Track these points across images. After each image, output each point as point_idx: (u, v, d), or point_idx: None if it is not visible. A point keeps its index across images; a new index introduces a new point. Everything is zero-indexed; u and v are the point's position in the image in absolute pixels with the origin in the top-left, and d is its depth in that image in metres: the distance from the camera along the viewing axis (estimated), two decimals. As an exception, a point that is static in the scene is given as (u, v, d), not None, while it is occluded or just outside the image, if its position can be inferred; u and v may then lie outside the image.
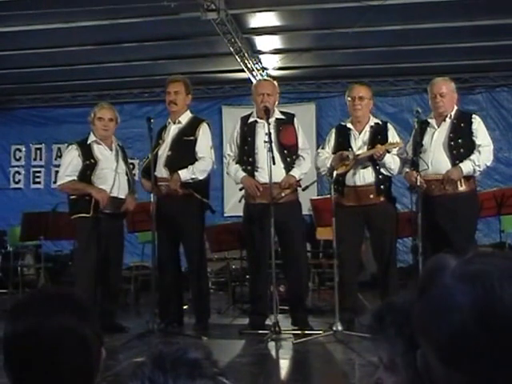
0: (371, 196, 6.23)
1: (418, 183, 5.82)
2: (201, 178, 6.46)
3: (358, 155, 6.22)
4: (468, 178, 5.99)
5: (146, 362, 1.08)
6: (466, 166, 5.92)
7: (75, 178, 6.49)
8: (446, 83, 6.18)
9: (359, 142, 6.36)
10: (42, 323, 1.45)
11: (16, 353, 1.47)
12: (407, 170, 6.20)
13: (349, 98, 6.41)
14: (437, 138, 6.08)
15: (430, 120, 6.19)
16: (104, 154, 6.56)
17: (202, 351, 1.11)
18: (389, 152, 6.17)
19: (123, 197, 6.53)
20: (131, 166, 6.85)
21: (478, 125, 6.09)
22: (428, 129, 6.15)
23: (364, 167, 6.23)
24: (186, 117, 6.66)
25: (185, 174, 6.38)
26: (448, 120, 6.11)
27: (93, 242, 6.35)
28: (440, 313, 1.01)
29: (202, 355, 1.10)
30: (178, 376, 1.04)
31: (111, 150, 6.63)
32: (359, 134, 6.39)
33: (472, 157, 5.94)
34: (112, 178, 6.48)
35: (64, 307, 1.50)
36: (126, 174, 6.67)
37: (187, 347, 1.11)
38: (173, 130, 6.61)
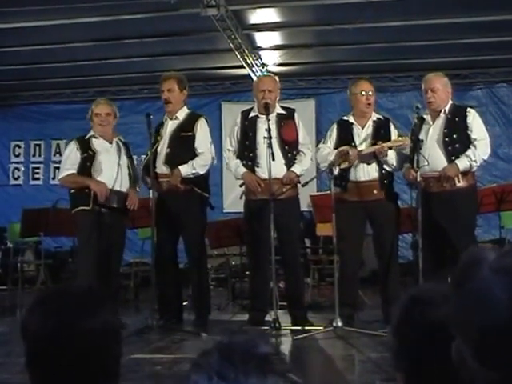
0: (375, 191, 6.21)
1: (418, 179, 5.79)
2: (201, 172, 6.46)
3: (361, 151, 6.21)
4: (466, 174, 5.92)
5: (212, 352, 1.00)
6: (462, 163, 5.87)
7: (74, 171, 6.48)
8: (438, 78, 6.13)
9: (362, 137, 6.33)
10: (83, 322, 1.45)
11: (53, 353, 1.44)
12: (407, 166, 6.18)
13: (359, 93, 6.33)
14: (432, 135, 6.03)
15: (425, 116, 6.12)
16: (102, 147, 6.55)
17: (271, 346, 1.03)
18: (390, 149, 6.15)
19: (125, 190, 6.53)
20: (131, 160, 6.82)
21: (472, 118, 6.01)
22: (424, 125, 6.10)
23: (368, 163, 6.21)
24: (182, 112, 6.64)
25: (185, 170, 6.37)
26: (442, 115, 6.05)
27: (94, 236, 6.33)
28: (477, 308, 0.99)
29: (271, 350, 1.02)
30: (249, 371, 0.96)
31: (110, 143, 6.62)
32: (362, 128, 6.37)
33: (468, 152, 5.88)
34: (113, 171, 6.48)
35: (98, 304, 1.49)
36: (128, 168, 6.66)
37: (257, 340, 1.03)
38: (170, 125, 6.60)
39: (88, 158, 6.47)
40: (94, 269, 6.26)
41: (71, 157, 6.55)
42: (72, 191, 6.50)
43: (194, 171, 6.40)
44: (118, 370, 1.52)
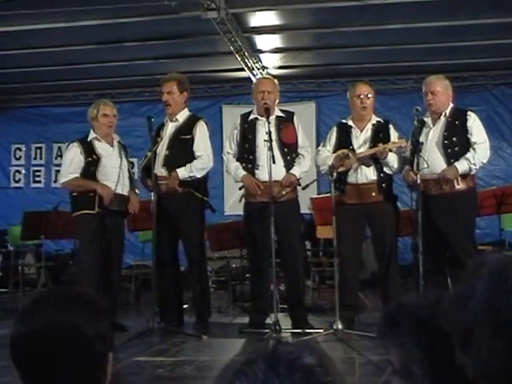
0: (373, 194, 6.22)
1: (418, 181, 5.80)
2: (199, 176, 6.47)
3: (360, 153, 6.22)
4: (465, 176, 5.93)
5: (257, 361, 1.00)
6: (462, 165, 5.87)
7: (78, 175, 6.46)
8: (438, 81, 6.13)
9: (361, 140, 6.34)
10: (45, 323, 1.45)
11: (21, 353, 1.47)
12: (407, 168, 6.19)
13: (355, 96, 6.36)
14: (432, 137, 6.03)
15: (425, 119, 6.13)
16: (106, 151, 6.56)
17: (315, 356, 1.03)
18: (391, 151, 6.16)
19: (126, 194, 6.55)
20: (131, 164, 6.83)
21: (472, 122, 6.02)
22: (424, 128, 6.10)
23: (367, 165, 6.22)
24: (183, 115, 6.65)
25: (183, 173, 6.39)
26: (443, 118, 6.06)
27: (96, 239, 6.34)
28: (461, 303, 1.05)
29: (315, 361, 1.02)
30: (294, 382, 0.97)
31: (112, 146, 6.63)
32: (361, 131, 6.38)
33: (467, 155, 5.89)
34: (115, 174, 6.49)
35: (69, 307, 1.49)
36: (128, 171, 6.68)
37: (301, 350, 1.03)
38: (170, 127, 6.62)
39: (92, 162, 6.46)
40: (95, 271, 6.28)
41: (75, 160, 6.51)
42: (74, 194, 6.49)
43: (191, 174, 6.41)
44: (93, 376, 1.51)
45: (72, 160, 6.54)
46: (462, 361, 1.07)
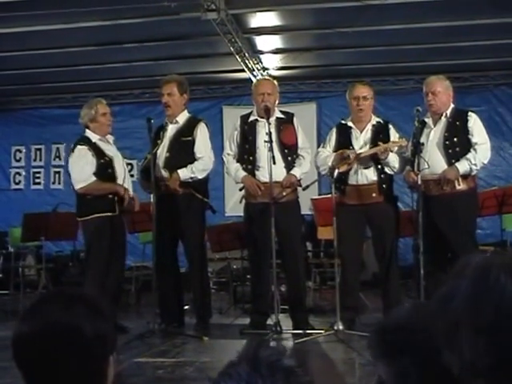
0: (373, 195, 6.22)
1: (419, 182, 5.79)
2: (200, 177, 6.47)
3: (360, 153, 6.20)
4: (466, 177, 5.93)
5: (241, 363, 1.06)
6: (463, 166, 5.87)
7: (95, 178, 6.36)
8: (439, 81, 6.12)
9: (361, 141, 6.34)
10: (46, 323, 1.46)
11: (23, 353, 1.48)
12: (408, 169, 6.18)
13: (352, 98, 6.36)
14: (432, 138, 6.03)
15: (426, 119, 6.12)
16: (111, 151, 6.55)
17: (295, 358, 1.09)
18: (391, 151, 6.15)
19: (132, 193, 6.56)
20: (129, 166, 6.82)
21: (473, 122, 6.01)
22: (425, 129, 6.09)
23: (366, 166, 6.21)
24: (183, 116, 6.64)
25: (184, 174, 6.38)
26: (443, 119, 6.06)
27: (109, 241, 6.31)
28: (443, 301, 1.07)
29: (295, 362, 1.09)
30: (276, 381, 1.03)
31: (111, 146, 6.62)
32: (360, 132, 6.37)
33: (468, 155, 5.88)
34: (123, 174, 6.50)
35: (70, 307, 1.48)
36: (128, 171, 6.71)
37: (281, 352, 1.10)
38: (170, 129, 6.61)
39: (105, 164, 6.42)
40: (104, 274, 6.25)
41: (90, 163, 6.40)
42: (89, 197, 6.36)
43: (192, 175, 6.41)
44: (92, 377, 1.50)
45: (87, 163, 6.40)
46: (447, 360, 1.08)
